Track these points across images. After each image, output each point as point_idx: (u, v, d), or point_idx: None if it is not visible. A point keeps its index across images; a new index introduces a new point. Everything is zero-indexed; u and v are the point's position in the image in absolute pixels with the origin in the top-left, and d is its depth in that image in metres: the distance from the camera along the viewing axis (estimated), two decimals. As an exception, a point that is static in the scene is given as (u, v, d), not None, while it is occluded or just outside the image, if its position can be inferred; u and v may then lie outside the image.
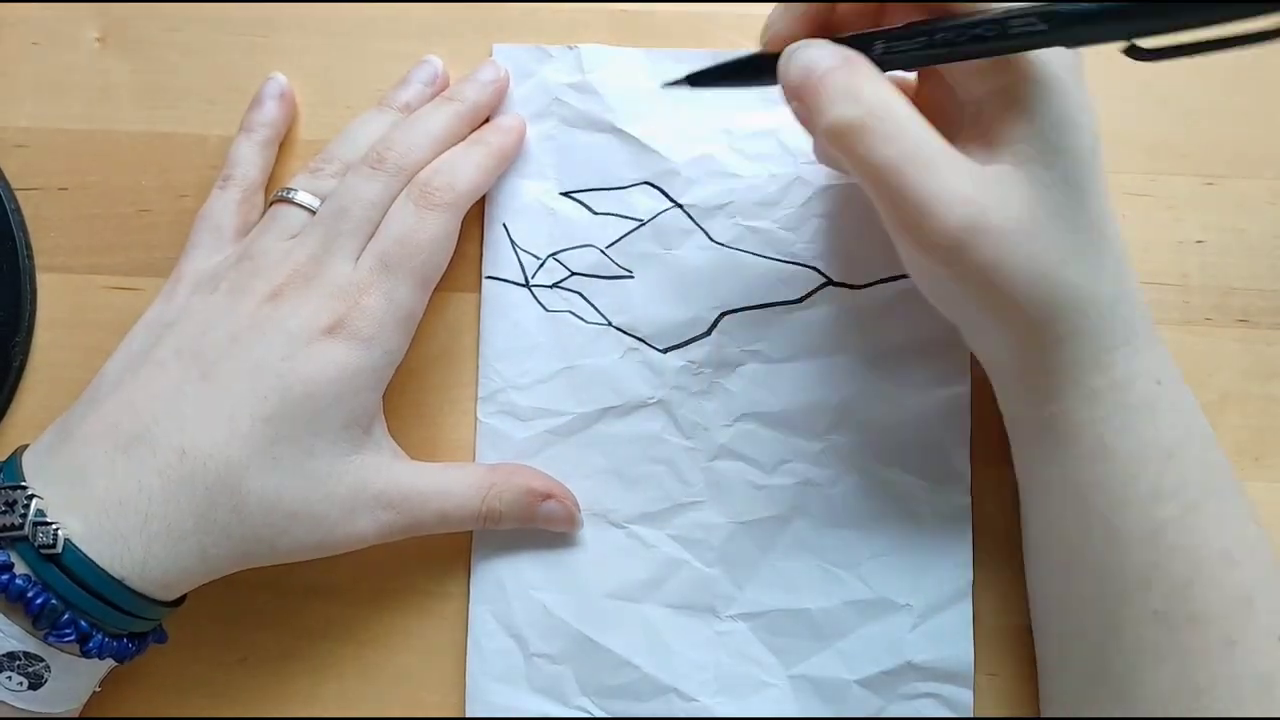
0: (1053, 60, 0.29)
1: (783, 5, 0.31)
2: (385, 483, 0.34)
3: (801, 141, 0.38)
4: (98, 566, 0.30)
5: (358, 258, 0.34)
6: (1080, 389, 0.31)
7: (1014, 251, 0.29)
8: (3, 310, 0.38)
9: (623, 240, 0.38)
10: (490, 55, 0.39)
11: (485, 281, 0.38)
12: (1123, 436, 0.31)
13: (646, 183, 0.38)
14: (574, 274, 0.38)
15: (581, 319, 0.38)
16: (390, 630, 0.37)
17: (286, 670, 0.37)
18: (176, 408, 0.32)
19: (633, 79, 0.38)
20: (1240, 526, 0.30)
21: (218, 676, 0.37)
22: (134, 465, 0.31)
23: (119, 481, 0.31)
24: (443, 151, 0.36)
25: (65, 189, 0.39)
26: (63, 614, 0.30)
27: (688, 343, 0.38)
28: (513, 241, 0.38)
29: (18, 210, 0.39)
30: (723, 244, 0.38)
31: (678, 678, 0.36)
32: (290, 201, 0.35)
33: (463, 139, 0.37)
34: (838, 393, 0.37)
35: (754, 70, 0.32)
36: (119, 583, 0.31)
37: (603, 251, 0.38)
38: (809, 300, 0.37)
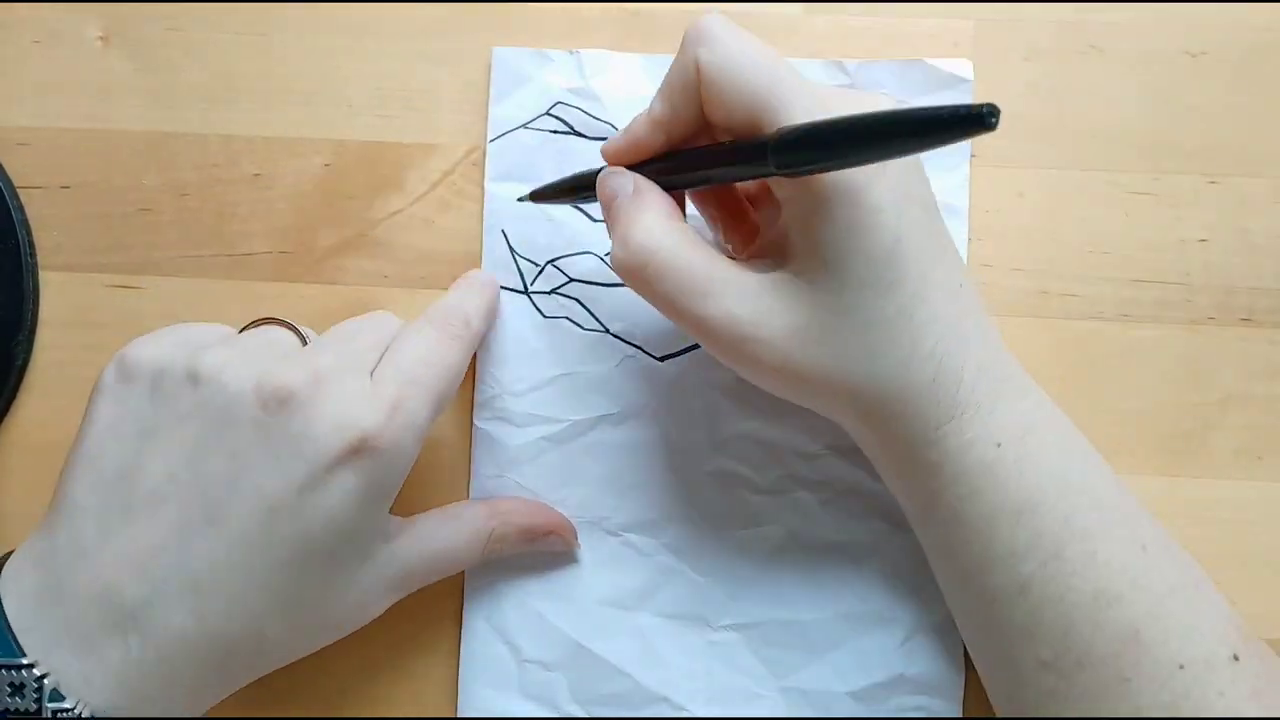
0: (843, 172, 0.29)
1: (618, 134, 0.33)
2: (394, 570, 0.33)
3: None
4: None
5: (364, 369, 0.31)
6: (918, 464, 0.32)
7: (794, 356, 0.30)
8: (5, 309, 0.38)
9: None
10: (490, 55, 0.39)
11: None
12: (969, 502, 0.31)
13: None
14: (572, 280, 0.38)
15: (579, 325, 0.38)
16: (391, 628, 0.37)
17: (287, 668, 0.37)
18: (184, 564, 0.29)
19: (634, 85, 0.38)
20: (1123, 560, 0.30)
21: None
22: (148, 637, 0.29)
23: (134, 655, 0.28)
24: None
25: (67, 188, 0.39)
26: None
27: (684, 351, 0.37)
28: (511, 248, 0.38)
29: (20, 209, 0.39)
30: None
31: (669, 687, 0.36)
32: (284, 324, 0.34)
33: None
34: None
35: (584, 188, 0.34)
36: None
37: (601, 258, 0.38)
38: None
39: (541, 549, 0.37)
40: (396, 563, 0.33)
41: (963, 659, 0.36)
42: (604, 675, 0.37)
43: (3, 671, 0.28)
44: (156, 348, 0.31)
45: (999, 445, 0.31)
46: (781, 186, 0.31)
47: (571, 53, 0.38)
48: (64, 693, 0.28)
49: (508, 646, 0.37)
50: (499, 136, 0.38)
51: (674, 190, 0.33)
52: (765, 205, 0.35)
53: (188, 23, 0.39)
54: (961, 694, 0.36)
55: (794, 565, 0.37)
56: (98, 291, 0.39)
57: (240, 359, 0.30)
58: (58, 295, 0.39)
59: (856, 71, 0.38)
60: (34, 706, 0.27)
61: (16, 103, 0.39)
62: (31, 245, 0.39)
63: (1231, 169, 0.38)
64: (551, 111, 0.38)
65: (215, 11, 0.39)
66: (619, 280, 0.38)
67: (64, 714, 0.28)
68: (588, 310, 0.38)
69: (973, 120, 0.24)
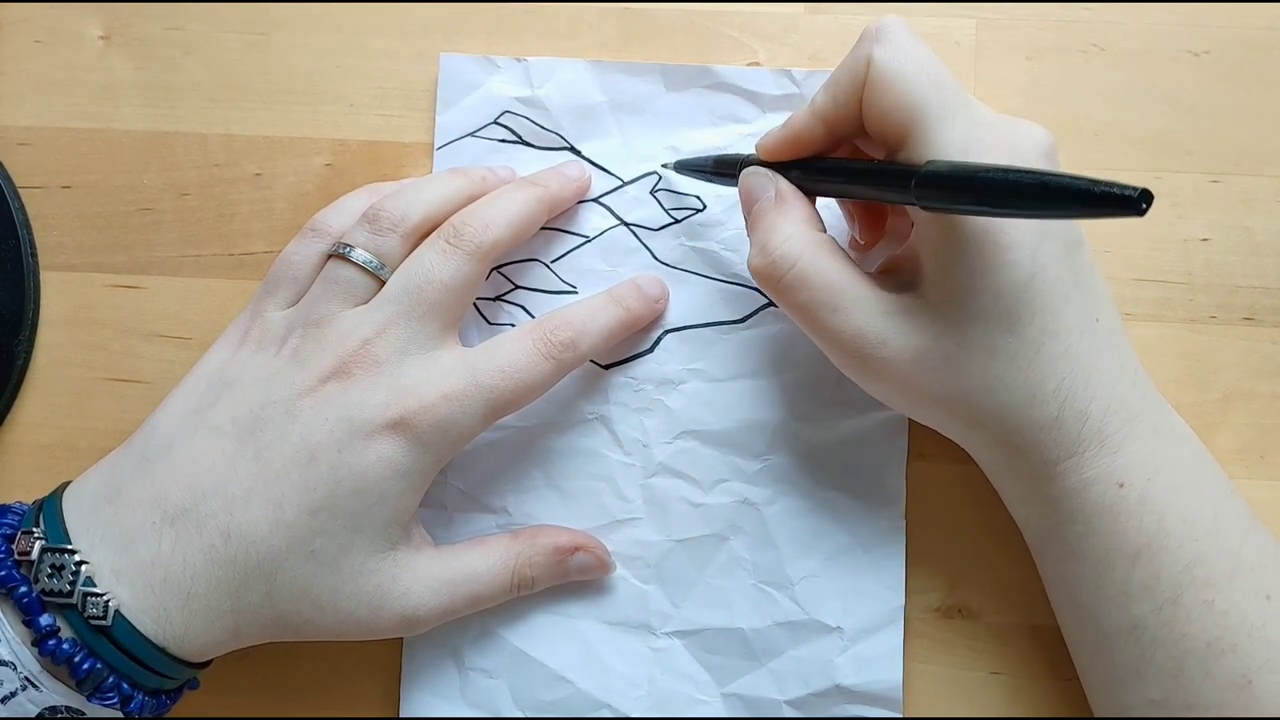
0: None
1: (777, 127, 0.34)
2: (413, 579, 0.34)
3: None
4: (145, 638, 0.31)
5: (431, 349, 0.33)
6: (1039, 497, 0.32)
7: (917, 376, 0.31)
8: (6, 308, 0.38)
9: (568, 256, 0.38)
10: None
11: None
12: (1086, 540, 0.31)
13: (593, 200, 0.38)
14: (518, 287, 0.38)
15: None
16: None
17: (288, 667, 0.37)
18: (226, 486, 0.32)
19: (581, 93, 0.38)
20: (1242, 611, 0.30)
21: (219, 672, 0.37)
22: (180, 541, 0.31)
23: (164, 556, 0.31)
24: (521, 235, 0.35)
25: (68, 187, 0.39)
26: (107, 678, 0.30)
27: (630, 359, 0.37)
28: None
29: (21, 209, 0.39)
30: (667, 264, 0.38)
31: (612, 694, 0.36)
32: (348, 260, 0.34)
33: (539, 225, 0.37)
34: (777, 413, 0.37)
35: (725, 173, 0.35)
36: (162, 651, 0.31)
37: (547, 266, 0.38)
38: (751, 320, 0.37)
39: (577, 577, 0.36)
40: (420, 573, 0.34)
41: (902, 670, 0.36)
42: (546, 682, 0.37)
43: (50, 554, 0.31)
44: (267, 309, 0.35)
45: (1121, 485, 0.31)
46: (918, 211, 0.31)
47: (519, 60, 0.38)
48: (96, 582, 0.31)
49: (450, 654, 0.37)
50: (446, 144, 0.38)
51: (812, 195, 0.33)
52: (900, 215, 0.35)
53: (188, 22, 0.39)
54: (901, 705, 0.36)
55: (736, 573, 0.37)
56: (98, 291, 0.39)
57: (314, 340, 0.33)
58: (59, 295, 0.39)
59: (804, 80, 0.38)
60: (68, 588, 0.30)
61: (17, 102, 0.39)
62: (32, 245, 0.39)
63: (1233, 168, 0.38)
64: (499, 120, 0.38)
65: (216, 11, 0.39)
66: (564, 288, 0.38)
67: (93, 594, 0.30)
68: (533, 318, 0.38)
69: (1126, 203, 0.23)
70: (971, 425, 0.32)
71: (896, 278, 0.32)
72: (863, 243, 0.36)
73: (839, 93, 0.32)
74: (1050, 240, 0.30)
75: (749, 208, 0.34)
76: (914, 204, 0.29)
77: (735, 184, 0.34)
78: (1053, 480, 0.31)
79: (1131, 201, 0.23)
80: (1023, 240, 0.30)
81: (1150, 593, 0.30)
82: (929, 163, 0.29)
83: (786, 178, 0.33)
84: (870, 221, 0.35)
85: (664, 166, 0.38)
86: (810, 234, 0.32)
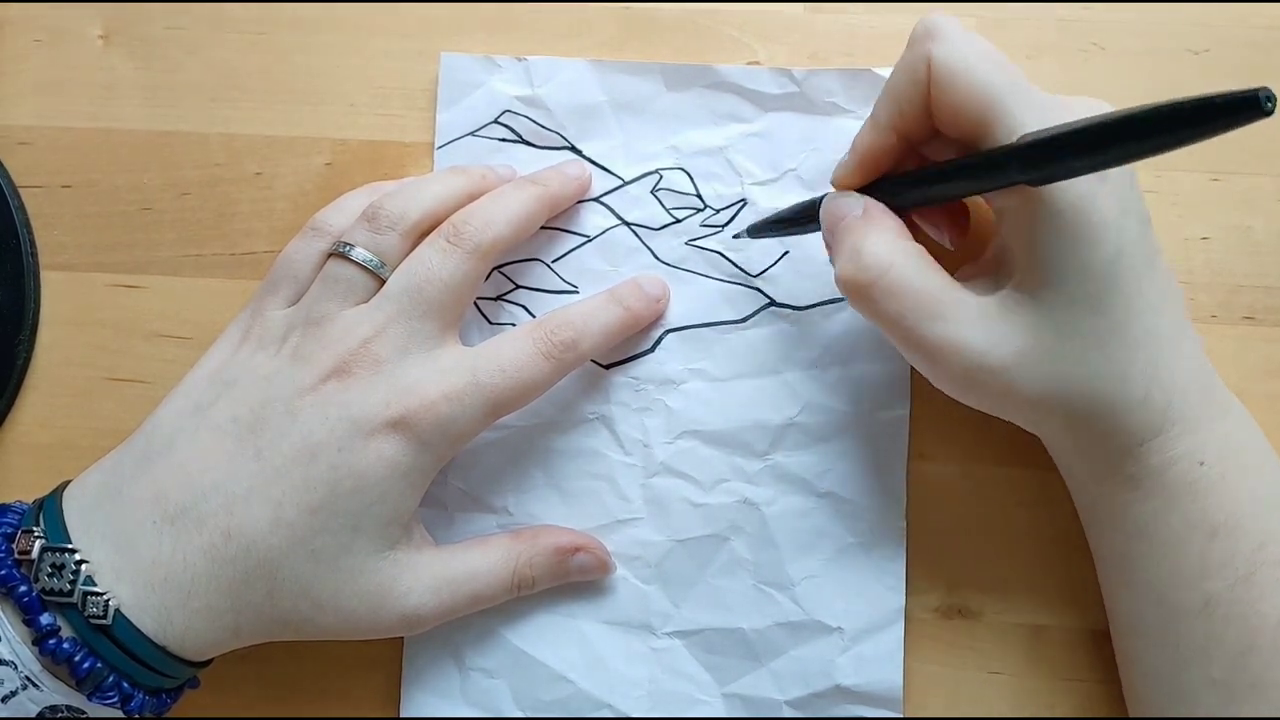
0: (1066, 183, 0.29)
1: (846, 154, 0.33)
2: (414, 578, 0.34)
3: (748, 161, 0.38)
4: (145, 637, 0.31)
5: (431, 348, 0.33)
6: (1118, 475, 0.32)
7: (1019, 380, 0.30)
8: (6, 308, 0.38)
9: (568, 255, 0.38)
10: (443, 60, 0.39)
11: None
12: (1164, 517, 0.31)
13: (594, 199, 0.38)
14: (518, 287, 0.38)
15: None
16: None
17: (288, 666, 0.38)
18: (227, 486, 0.32)
19: (582, 92, 0.38)
20: None
21: (219, 672, 0.37)
22: (180, 540, 0.31)
23: (165, 555, 0.31)
24: (521, 234, 0.35)
25: (69, 187, 0.39)
26: (108, 677, 0.31)
27: (631, 359, 0.37)
28: None
29: (21, 208, 0.39)
30: (668, 263, 0.38)
31: (612, 694, 0.36)
32: (348, 259, 0.34)
33: (539, 224, 0.36)
34: (778, 413, 0.37)
35: (808, 218, 0.34)
36: (162, 650, 0.31)
37: (548, 265, 0.38)
38: (752, 320, 0.37)
39: (577, 578, 0.36)
40: (421, 571, 0.34)
41: (903, 670, 0.36)
42: (547, 682, 0.37)
43: (50, 553, 0.31)
44: (268, 308, 0.35)
45: (1202, 464, 0.31)
46: (1004, 199, 0.30)
47: (520, 59, 0.38)
48: (96, 581, 0.31)
49: (451, 654, 0.37)
50: (447, 144, 0.38)
51: (901, 211, 0.32)
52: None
53: (189, 21, 0.39)
54: (901, 705, 0.36)
55: (736, 573, 0.37)
56: (99, 290, 0.39)
57: (314, 339, 0.33)
58: (59, 294, 0.39)
59: (804, 79, 0.37)
60: (68, 587, 0.30)
61: (18, 102, 0.39)
62: (33, 244, 0.39)
63: (1234, 167, 0.38)
64: (500, 120, 0.38)
65: (216, 10, 0.39)
66: (565, 288, 0.38)
67: (93, 593, 0.30)
68: (534, 317, 0.38)
69: (1252, 104, 0.22)
70: (1065, 415, 0.31)
71: (984, 281, 0.32)
72: (952, 248, 0.35)
73: (902, 99, 0.31)
74: (1130, 218, 0.30)
75: (834, 229, 0.32)
76: (1018, 183, 0.28)
77: (817, 227, 0.33)
78: (1136, 459, 0.31)
79: (1255, 102, 0.22)
80: (1108, 218, 0.29)
81: (1225, 569, 0.30)
82: (1024, 135, 0.28)
83: (872, 195, 0.33)
84: (955, 223, 0.35)
85: (734, 237, 0.37)
86: (903, 242, 0.31)
